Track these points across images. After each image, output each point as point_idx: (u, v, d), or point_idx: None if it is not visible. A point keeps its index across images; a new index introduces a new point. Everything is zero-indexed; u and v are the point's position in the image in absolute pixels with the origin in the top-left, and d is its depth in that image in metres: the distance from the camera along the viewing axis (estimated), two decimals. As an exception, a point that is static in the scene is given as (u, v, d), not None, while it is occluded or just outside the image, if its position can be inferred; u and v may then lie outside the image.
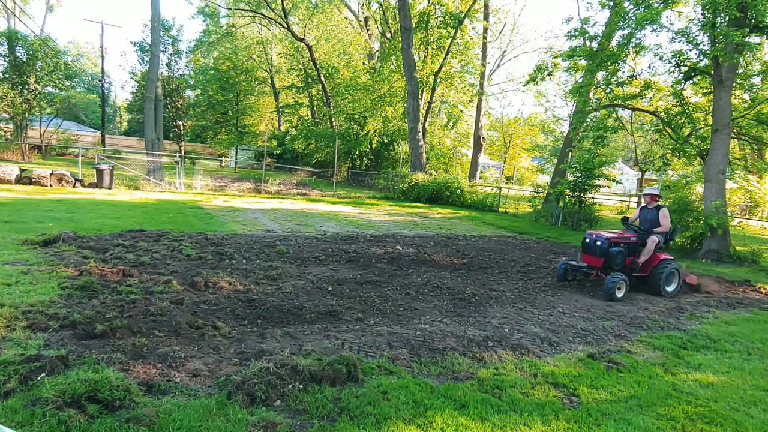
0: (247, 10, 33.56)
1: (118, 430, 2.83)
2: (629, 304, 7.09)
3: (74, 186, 15.98)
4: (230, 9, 38.76)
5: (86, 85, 61.28)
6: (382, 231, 12.30)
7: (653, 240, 7.78)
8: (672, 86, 15.63)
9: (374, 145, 31.61)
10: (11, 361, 3.34)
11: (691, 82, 15.51)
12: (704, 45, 13.68)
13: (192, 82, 38.59)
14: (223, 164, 40.88)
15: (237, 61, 37.27)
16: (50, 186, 15.44)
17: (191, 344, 4.26)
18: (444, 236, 12.44)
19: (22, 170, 15.66)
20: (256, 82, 41.52)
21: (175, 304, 5.17)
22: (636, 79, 16.33)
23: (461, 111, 32.92)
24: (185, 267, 6.83)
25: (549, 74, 17.89)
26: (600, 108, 17.46)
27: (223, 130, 40.91)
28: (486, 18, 28.42)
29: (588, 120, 17.76)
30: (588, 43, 16.97)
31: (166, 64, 33.02)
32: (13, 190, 13.59)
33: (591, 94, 17.57)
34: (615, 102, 16.83)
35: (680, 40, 14.24)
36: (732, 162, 17.46)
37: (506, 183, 38.70)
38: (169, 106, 32.27)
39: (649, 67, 31.29)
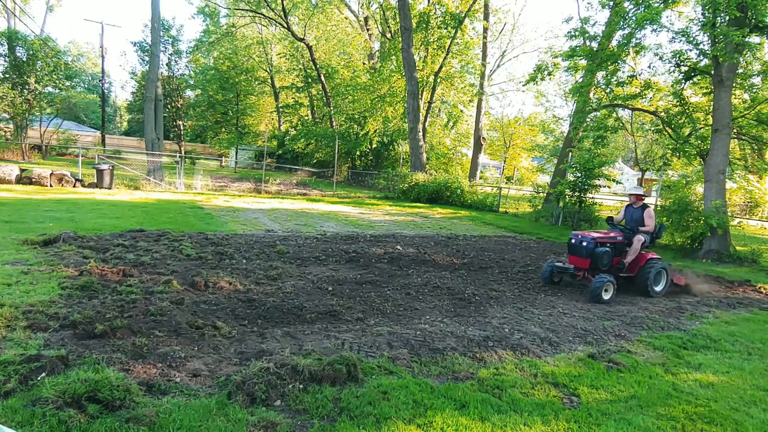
0: (247, 10, 33.56)
1: (118, 430, 2.84)
2: (629, 304, 7.09)
3: (74, 186, 15.99)
4: (230, 9, 38.77)
5: (86, 85, 61.27)
6: (382, 231, 12.30)
7: (639, 239, 7.67)
8: (672, 86, 15.63)
9: (374, 145, 31.62)
10: (11, 361, 3.34)
11: (691, 82, 15.50)
12: (704, 45, 13.68)
13: (192, 82, 38.58)
14: (223, 164, 40.89)
15: (237, 61, 37.27)
16: (50, 186, 15.45)
17: (191, 344, 4.26)
18: (444, 236, 12.43)
19: (22, 170, 15.66)
20: (256, 82, 41.53)
21: (175, 304, 5.17)
22: (636, 79, 16.33)
23: (461, 111, 32.92)
24: (185, 267, 6.83)
25: (549, 74, 17.88)
26: (600, 108, 17.45)
27: (223, 130, 40.91)
28: (486, 18, 28.42)
29: (588, 120, 17.76)
30: (588, 43, 16.96)
31: (166, 64, 33.01)
32: (13, 190, 13.59)
33: (591, 94, 17.57)
34: (615, 102, 16.82)
35: (680, 40, 14.25)
36: (732, 162, 17.45)
37: (506, 183, 38.70)
38: (169, 106, 32.26)
39: (649, 67, 31.35)
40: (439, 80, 27.74)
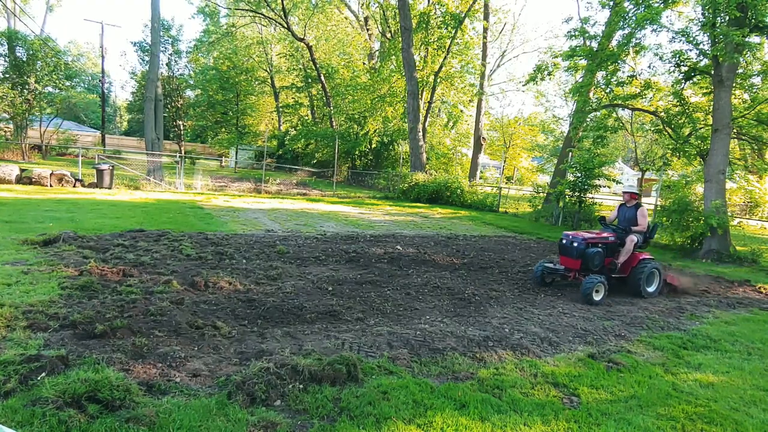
0: (247, 10, 33.56)
1: (118, 430, 2.84)
2: (629, 304, 7.09)
3: (74, 186, 15.99)
4: (230, 9, 38.76)
5: (86, 85, 61.25)
6: (382, 231, 12.30)
7: (632, 239, 7.53)
8: (672, 86, 15.63)
9: (374, 145, 31.62)
10: (11, 361, 3.34)
11: (691, 82, 15.50)
12: (704, 45, 13.68)
13: (192, 82, 38.59)
14: (223, 164, 40.88)
15: (237, 61, 37.26)
16: (50, 186, 15.45)
17: (191, 344, 4.26)
18: (444, 236, 12.43)
19: (22, 170, 15.66)
20: (256, 82, 41.53)
21: (175, 304, 5.17)
22: (636, 79, 16.33)
23: (461, 111, 32.90)
24: (185, 267, 6.83)
25: (549, 74, 17.88)
26: (600, 108, 17.45)
27: (223, 130, 40.90)
28: (486, 18, 28.41)
29: (588, 120, 17.75)
30: (588, 43, 16.97)
31: (166, 64, 33.03)
32: (13, 190, 13.59)
33: (591, 94, 17.58)
34: (615, 102, 16.82)
35: (680, 40, 14.25)
36: (732, 162, 17.45)
37: (506, 183, 38.70)
38: (169, 106, 32.27)
39: (649, 67, 31.36)
40: (439, 80, 27.73)
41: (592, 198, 18.33)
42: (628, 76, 16.37)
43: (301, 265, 7.68)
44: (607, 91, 16.75)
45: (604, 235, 7.67)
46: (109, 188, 16.36)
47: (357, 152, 31.83)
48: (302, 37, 31.86)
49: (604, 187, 20.81)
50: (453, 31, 26.10)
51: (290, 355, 3.94)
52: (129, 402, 3.08)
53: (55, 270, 5.98)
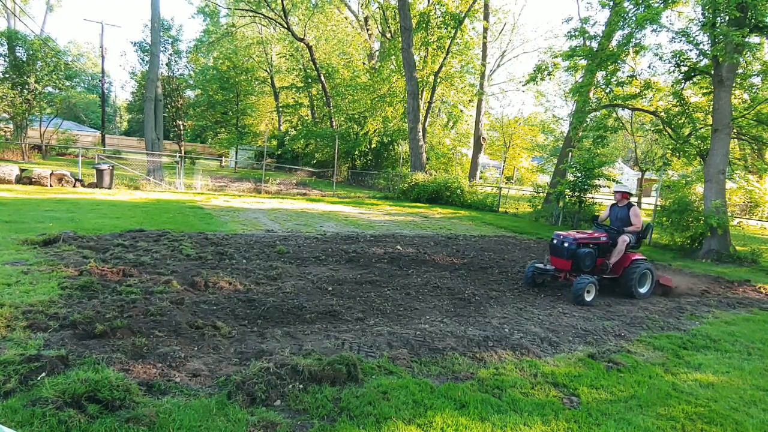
0: (247, 10, 33.56)
1: (118, 430, 2.84)
2: (629, 304, 7.09)
3: (74, 186, 15.99)
4: (230, 9, 38.75)
5: (86, 85, 61.25)
6: (382, 231, 12.30)
7: (624, 240, 7.39)
8: (672, 86, 15.63)
9: (374, 145, 31.62)
10: (11, 361, 3.34)
11: (691, 82, 15.50)
12: (704, 45, 13.68)
13: (192, 82, 38.58)
14: (223, 164, 40.87)
15: (237, 61, 37.25)
16: (50, 186, 15.44)
17: (191, 344, 4.26)
18: (444, 236, 12.43)
19: (22, 170, 15.66)
20: (256, 82, 41.52)
21: (175, 304, 5.17)
22: (636, 79, 16.33)
23: (461, 111, 32.92)
24: (185, 267, 6.83)
25: (549, 74, 17.89)
26: (600, 108, 17.45)
27: (223, 130, 40.89)
28: (486, 18, 28.42)
29: (588, 120, 17.75)
30: (588, 43, 16.97)
31: (166, 64, 33.02)
32: (13, 190, 13.59)
33: (591, 94, 17.58)
34: (615, 102, 16.82)
35: (680, 40, 14.25)
36: (732, 162, 17.45)
37: (506, 183, 38.70)
38: (169, 106, 32.26)
39: (649, 67, 31.36)
40: (439, 80, 27.73)
41: (592, 198, 18.33)
42: (628, 76, 16.37)
43: (301, 265, 7.68)
44: (607, 91, 16.75)
45: (596, 235, 7.56)
46: (109, 188, 16.36)
47: (357, 152, 31.83)
48: (302, 37, 31.86)
49: (604, 187, 20.81)
50: (453, 32, 26.10)
51: (290, 355, 3.94)
52: (129, 402, 3.08)
53: (55, 270, 5.98)
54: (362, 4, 36.20)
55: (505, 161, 37.62)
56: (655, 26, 13.92)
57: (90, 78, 63.91)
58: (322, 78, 33.04)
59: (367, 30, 36.24)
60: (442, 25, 26.71)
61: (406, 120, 26.93)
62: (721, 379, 4.48)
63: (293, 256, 8.29)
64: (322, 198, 20.53)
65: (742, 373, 4.67)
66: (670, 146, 16.72)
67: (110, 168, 16.72)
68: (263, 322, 5.01)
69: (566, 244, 7.17)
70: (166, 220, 11.02)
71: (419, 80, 25.73)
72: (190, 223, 10.95)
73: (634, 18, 14.23)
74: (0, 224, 8.63)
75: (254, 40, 41.40)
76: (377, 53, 36.16)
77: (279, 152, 37.08)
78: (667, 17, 19.26)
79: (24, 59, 24.83)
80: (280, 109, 42.36)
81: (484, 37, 29.05)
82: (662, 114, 16.49)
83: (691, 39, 13.80)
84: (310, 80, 35.69)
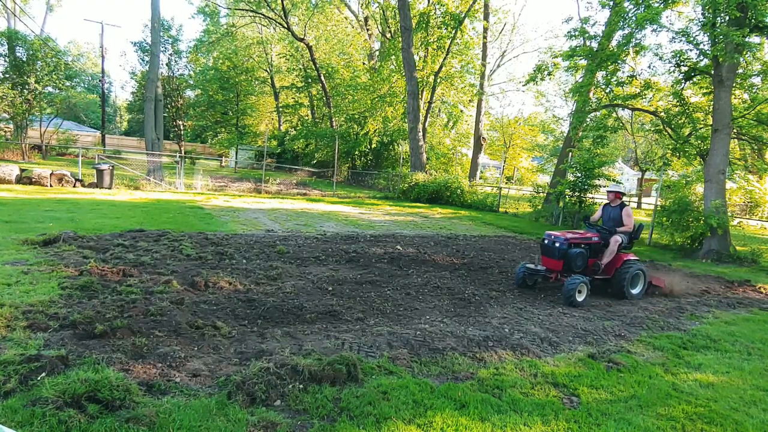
0: (247, 10, 33.56)
1: (118, 430, 2.84)
2: (629, 304, 7.09)
3: (74, 186, 15.99)
4: (230, 9, 38.75)
5: (86, 85, 61.25)
6: (382, 231, 12.30)
7: (616, 240, 7.30)
8: (672, 86, 15.63)
9: (374, 145, 31.62)
10: (11, 361, 3.34)
11: (691, 82, 15.50)
12: (704, 45, 13.68)
13: (192, 82, 38.58)
14: (223, 164, 40.87)
15: (237, 61, 37.25)
16: (50, 186, 15.45)
17: (191, 344, 4.26)
18: (444, 236, 12.44)
19: (22, 170, 15.66)
20: (256, 82, 41.52)
21: (175, 304, 5.17)
22: (636, 79, 16.33)
23: (461, 111, 32.91)
24: (185, 267, 6.83)
25: (549, 74, 17.89)
26: (600, 108, 17.45)
27: (223, 130, 40.88)
28: (486, 18, 28.42)
29: (588, 120, 17.75)
30: (588, 43, 16.96)
31: (166, 64, 33.01)
32: (13, 190, 13.59)
33: (591, 94, 17.57)
34: (615, 102, 16.82)
35: (680, 40, 14.25)
36: (732, 162, 17.45)
37: (506, 183, 38.71)
38: (169, 106, 32.26)
39: (649, 67, 31.36)
40: (439, 80, 27.73)
41: (593, 198, 18.33)
42: (628, 76, 16.37)
43: (301, 265, 7.68)
44: (607, 91, 16.75)
45: (588, 235, 7.44)
46: (109, 188, 16.36)
47: (357, 152, 31.84)
48: (302, 37, 31.86)
49: (604, 187, 20.81)
50: (453, 32, 26.10)
51: (290, 355, 3.94)
52: (129, 402, 3.08)
53: (55, 270, 5.98)
54: (362, 4, 36.18)
55: (505, 161, 37.62)
56: (655, 26, 13.92)
57: (90, 78, 63.93)
58: (322, 78, 33.04)
59: (367, 30, 36.24)
60: (442, 25, 26.71)
61: (406, 120, 26.93)
62: (721, 379, 4.48)
63: (293, 256, 8.29)
64: (322, 198, 20.53)
65: (742, 373, 4.67)
66: (670, 146, 16.72)
67: (110, 168, 16.72)
68: (263, 322, 5.01)
69: (557, 245, 7.09)
70: (166, 220, 11.03)
71: (419, 80, 25.73)
72: (190, 223, 10.95)
73: (634, 18, 14.23)
74: (0, 224, 8.63)
75: (254, 40, 41.42)
76: (377, 53, 36.15)
77: (279, 151, 37.08)
78: (667, 17, 19.26)
79: (24, 59, 24.83)
80: (280, 109, 42.36)
81: (484, 37, 29.05)
82: (662, 114, 16.49)
83: (691, 39, 13.80)
84: (310, 80, 35.69)
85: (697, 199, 14.07)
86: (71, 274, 5.91)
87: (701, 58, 14.01)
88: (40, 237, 7.60)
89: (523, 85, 40.74)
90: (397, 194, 23.69)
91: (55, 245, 7.35)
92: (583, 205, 17.51)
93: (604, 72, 15.92)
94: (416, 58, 26.31)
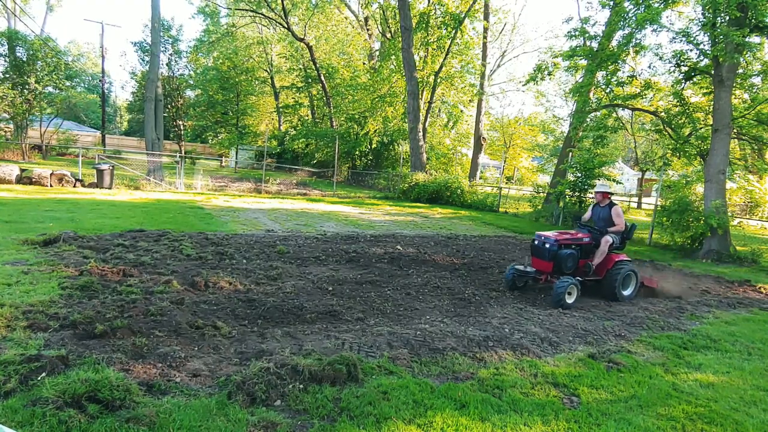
0: (247, 10, 33.56)
1: (118, 430, 2.84)
2: (629, 304, 7.09)
3: (74, 186, 15.99)
4: (230, 9, 38.75)
5: (86, 85, 61.26)
6: (383, 231, 12.30)
7: (607, 240, 7.16)
8: (672, 86, 15.63)
9: (374, 145, 31.61)
10: (11, 361, 3.34)
11: (691, 82, 15.50)
12: (704, 45, 13.68)
13: (192, 82, 38.58)
14: (223, 164, 40.87)
15: (237, 61, 37.25)
16: (50, 186, 15.45)
17: (191, 344, 4.26)
18: (444, 236, 12.44)
19: (22, 170, 15.66)
20: (257, 82, 41.50)
21: (175, 304, 5.17)
22: (636, 79, 16.33)
23: (461, 111, 32.89)
24: (185, 267, 6.83)
25: (549, 74, 17.89)
26: (600, 108, 17.45)
27: (224, 130, 40.85)
28: (486, 18, 28.41)
29: (588, 120, 17.75)
30: (588, 43, 16.96)
31: (166, 64, 33.01)
32: (13, 190, 13.59)
33: (591, 94, 17.57)
34: (615, 102, 16.82)
35: (680, 40, 14.24)
36: (732, 162, 17.45)
37: (506, 183, 38.71)
38: (169, 106, 32.25)
39: (649, 67, 31.30)
40: (439, 80, 27.72)
41: (593, 198, 18.29)
42: (628, 76, 16.37)
43: (301, 265, 7.68)
44: (607, 91, 16.75)
45: (579, 235, 7.29)
46: (110, 188, 16.36)
47: (357, 152, 31.82)
48: (302, 37, 31.85)
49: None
50: (453, 32, 26.10)
51: (290, 355, 3.94)
52: (129, 402, 3.08)
53: (55, 270, 5.98)
54: (362, 4, 36.18)
55: (505, 161, 37.62)
56: (655, 26, 13.92)
57: (90, 78, 63.92)
58: (322, 78, 33.04)
59: (367, 30, 36.24)
60: (442, 25, 26.71)
61: (406, 120, 26.93)
62: (721, 379, 4.48)
63: (293, 256, 8.29)
64: (323, 198, 20.53)
65: (743, 373, 4.67)
66: (671, 146, 16.72)
67: (110, 168, 16.72)
68: (263, 322, 5.01)
69: (547, 245, 6.95)
70: (167, 220, 11.03)
71: (419, 80, 25.73)
72: (191, 223, 10.95)
73: (634, 18, 14.23)
74: (0, 224, 8.63)
75: (254, 40, 41.41)
76: (377, 53, 36.15)
77: (279, 151, 37.06)
78: (667, 17, 19.31)
79: (24, 59, 24.82)
80: (280, 109, 42.36)
81: (484, 37, 29.04)
82: (662, 114, 16.49)
83: (692, 39, 13.80)
84: (310, 80, 35.68)
85: (697, 199, 14.06)
86: (71, 274, 5.91)
87: (701, 58, 14.01)
88: (40, 237, 7.60)
89: (523, 85, 40.74)
90: (397, 194, 23.69)
91: (55, 245, 7.35)
92: (583, 205, 17.50)
93: (604, 72, 15.91)
94: (416, 58, 26.31)
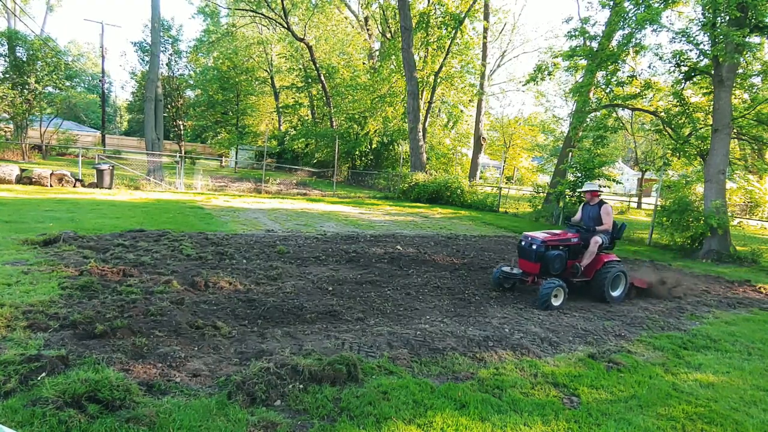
0: (247, 10, 33.55)
1: (118, 430, 2.84)
2: (629, 304, 7.09)
3: (74, 186, 15.98)
4: (230, 9, 38.75)
5: (86, 85, 61.27)
6: (383, 231, 12.30)
7: (596, 241, 6.96)
8: (672, 86, 15.63)
9: (374, 145, 31.62)
10: (11, 361, 3.34)
11: (691, 82, 15.50)
12: (704, 45, 13.68)
13: (192, 82, 38.58)
14: (223, 164, 40.87)
15: (237, 61, 37.26)
16: (50, 186, 15.44)
17: (191, 344, 4.26)
18: (444, 236, 12.44)
19: (22, 170, 15.66)
20: (257, 82, 41.51)
21: (175, 304, 5.17)
22: (636, 79, 16.33)
23: (461, 111, 32.89)
24: (185, 267, 6.83)
25: (549, 74, 17.89)
26: (600, 108, 17.45)
27: (224, 130, 40.86)
28: (486, 18, 28.41)
29: (588, 120, 17.75)
30: (588, 43, 16.97)
31: (166, 64, 33.01)
32: (13, 190, 13.59)
33: (591, 94, 17.57)
34: (615, 102, 16.82)
35: (680, 40, 14.25)
36: (732, 162, 17.45)
37: (506, 183, 38.70)
38: (169, 106, 32.25)
39: (649, 67, 31.33)
40: (439, 80, 27.73)
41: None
42: (628, 76, 16.37)
43: (301, 265, 7.68)
44: (607, 91, 16.75)
45: (567, 236, 7.09)
46: (109, 188, 16.36)
47: (357, 152, 31.82)
48: (302, 37, 31.85)
49: (604, 187, 20.77)
50: (453, 32, 26.10)
51: (290, 355, 3.94)
52: (129, 402, 3.08)
53: (55, 270, 5.98)
54: (362, 4, 36.18)
55: (505, 161, 37.62)
56: (655, 26, 13.92)
57: (90, 78, 63.94)
58: (322, 78, 33.04)
59: (367, 30, 36.24)
60: (442, 25, 26.71)
61: (406, 120, 26.92)
62: (721, 379, 4.48)
63: (293, 256, 8.29)
64: (322, 198, 20.53)
65: (743, 373, 4.67)
66: (670, 146, 16.71)
67: (110, 168, 16.72)
68: (263, 322, 5.01)
69: (534, 246, 6.77)
70: (167, 220, 11.02)
71: (419, 80, 25.73)
72: (191, 223, 10.95)
73: (634, 18, 14.23)
74: (0, 224, 8.63)
75: (254, 40, 41.40)
76: (377, 53, 36.15)
77: (279, 151, 37.06)
78: (667, 17, 19.31)
79: (24, 59, 24.82)
80: (280, 109, 42.36)
81: (484, 37, 29.04)
82: (662, 114, 16.49)
83: (692, 39, 13.80)
84: (310, 80, 35.68)
85: (697, 199, 14.07)
86: (71, 274, 5.91)
87: (701, 58, 14.01)
88: (40, 237, 7.60)
89: (523, 85, 40.73)
90: (397, 194, 23.69)
91: (55, 245, 7.35)
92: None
93: (604, 72, 15.92)
94: (416, 58, 26.31)
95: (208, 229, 10.30)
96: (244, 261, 7.60)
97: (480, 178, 33.76)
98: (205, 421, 3.02)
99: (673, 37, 14.44)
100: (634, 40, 14.63)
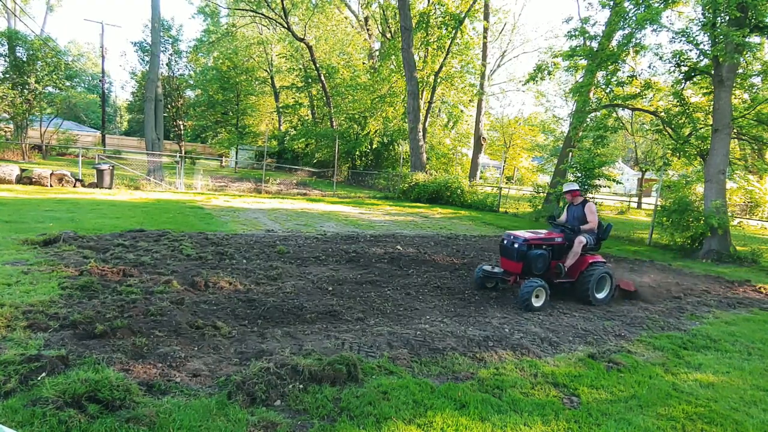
0: (247, 10, 33.54)
1: (118, 430, 2.84)
2: (629, 304, 7.09)
3: (74, 186, 15.99)
4: (230, 9, 38.75)
5: (86, 85, 61.28)
6: (383, 231, 12.30)
7: (580, 241, 6.78)
8: (672, 86, 15.62)
9: (374, 145, 31.62)
10: (11, 361, 3.34)
11: (691, 82, 15.50)
12: (704, 45, 13.68)
13: (192, 82, 38.59)
14: (223, 164, 40.88)
15: (237, 61, 37.25)
16: (50, 186, 15.45)
17: (191, 344, 4.26)
18: (444, 236, 12.43)
19: (22, 170, 15.66)
20: (257, 82, 41.51)
21: (175, 304, 5.17)
22: (636, 79, 16.32)
23: (461, 111, 32.90)
24: (185, 267, 6.83)
25: (549, 74, 17.88)
26: (600, 108, 17.44)
27: (223, 130, 40.88)
28: (486, 18, 28.42)
29: (588, 120, 17.74)
30: (588, 43, 16.96)
31: (166, 64, 33.04)
32: (13, 190, 13.59)
33: (591, 94, 17.56)
34: (615, 102, 16.82)
35: (680, 40, 14.24)
36: (732, 162, 17.44)
37: (506, 183, 38.69)
38: (169, 106, 32.27)
39: (649, 67, 31.28)
40: (439, 80, 27.73)
41: (593, 198, 18.32)
42: (628, 76, 16.36)
43: (301, 265, 7.68)
44: (607, 91, 16.74)
45: (551, 235, 6.93)
46: (110, 188, 16.36)
47: (357, 152, 31.82)
48: (302, 37, 31.85)
49: (605, 187, 20.78)
50: (453, 32, 26.10)
51: (290, 355, 3.94)
52: (129, 402, 3.08)
53: (55, 270, 5.98)
54: (362, 4, 36.18)
55: (505, 161, 37.62)
56: (655, 26, 13.91)
57: (90, 78, 63.95)
58: (322, 78, 33.03)
59: (367, 30, 36.24)
60: (442, 25, 26.71)
61: (406, 120, 26.92)
62: (721, 379, 4.48)
63: (293, 256, 8.29)
64: (323, 198, 20.53)
65: (743, 373, 4.67)
66: (671, 146, 16.71)
67: (110, 168, 16.72)
68: (263, 322, 5.01)
69: (516, 245, 6.59)
70: (167, 220, 11.03)
71: (419, 80, 25.72)
72: (191, 223, 10.95)
73: (634, 18, 14.22)
74: (0, 224, 8.63)
75: (254, 40, 41.39)
76: (377, 53, 36.15)
77: (279, 151, 37.05)
78: (667, 17, 19.28)
79: (24, 59, 24.83)
80: (280, 109, 42.36)
81: (484, 37, 29.05)
82: (662, 114, 16.48)
83: (692, 39, 13.80)
84: (310, 80, 35.67)
85: (697, 199, 14.06)
86: (71, 274, 5.91)
87: (701, 58, 14.01)
88: (40, 237, 7.60)
89: (523, 85, 40.77)
90: (397, 194, 23.69)
91: (55, 245, 7.35)
92: (582, 205, 17.46)
93: (604, 72, 15.91)
94: (416, 58, 26.31)
95: (208, 229, 10.30)
96: (244, 261, 7.60)
97: (480, 178, 33.77)
98: (205, 421, 3.02)
99: (673, 37, 14.43)
100: (634, 40, 14.62)
